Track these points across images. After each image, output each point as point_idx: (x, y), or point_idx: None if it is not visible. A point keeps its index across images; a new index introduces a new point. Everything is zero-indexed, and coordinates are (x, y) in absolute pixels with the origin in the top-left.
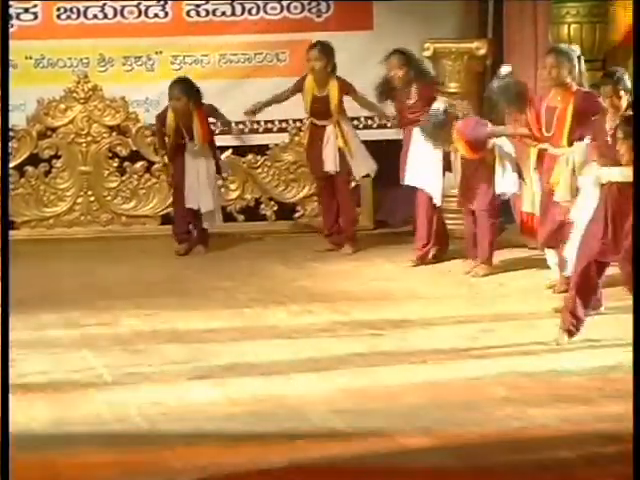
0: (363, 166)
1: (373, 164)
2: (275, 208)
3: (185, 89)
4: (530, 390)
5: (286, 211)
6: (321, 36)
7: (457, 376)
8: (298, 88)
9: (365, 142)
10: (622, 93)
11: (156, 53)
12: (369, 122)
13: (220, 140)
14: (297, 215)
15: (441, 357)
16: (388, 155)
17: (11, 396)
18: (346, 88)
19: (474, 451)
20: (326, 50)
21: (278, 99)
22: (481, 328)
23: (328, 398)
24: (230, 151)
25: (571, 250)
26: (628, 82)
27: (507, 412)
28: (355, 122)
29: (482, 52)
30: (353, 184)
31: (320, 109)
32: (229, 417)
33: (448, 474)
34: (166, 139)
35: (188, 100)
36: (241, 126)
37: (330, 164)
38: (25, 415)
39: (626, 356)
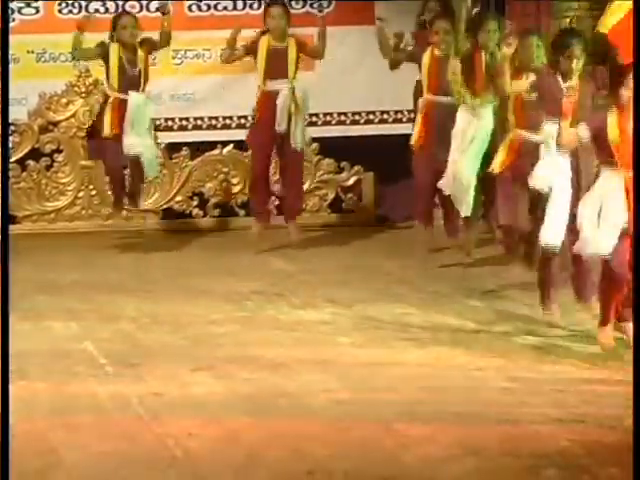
0: (300, 136)
1: (305, 140)
2: (276, 203)
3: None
4: (529, 380)
5: None
6: None
7: (458, 366)
8: (251, 49)
9: (367, 137)
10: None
11: None
12: (370, 117)
13: (222, 135)
14: None
15: (441, 347)
16: (390, 150)
17: (12, 386)
18: (303, 45)
19: (473, 439)
20: (286, 9)
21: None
22: (483, 319)
23: (330, 388)
24: (232, 145)
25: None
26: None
27: (507, 401)
28: (356, 117)
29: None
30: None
31: (276, 63)
32: (230, 407)
33: (446, 461)
34: None
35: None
36: (243, 120)
37: (282, 124)
38: (26, 404)
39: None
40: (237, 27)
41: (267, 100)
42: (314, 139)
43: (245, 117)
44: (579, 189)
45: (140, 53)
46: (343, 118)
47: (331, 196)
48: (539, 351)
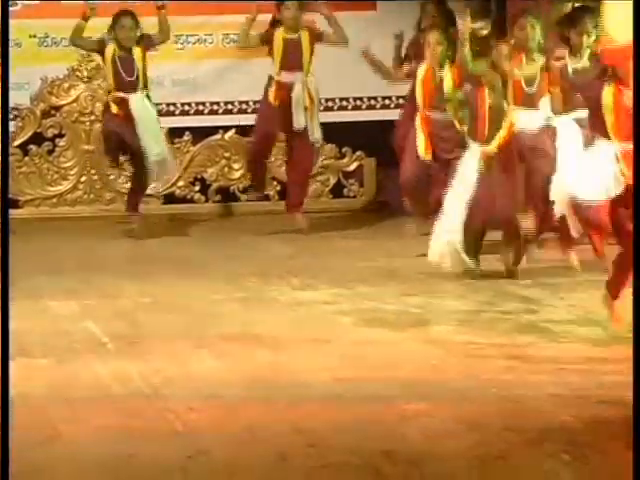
0: (317, 130)
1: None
2: (278, 188)
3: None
4: (530, 359)
5: None
6: (322, 17)
7: (457, 344)
8: (267, 39)
9: (368, 122)
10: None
11: None
12: (372, 103)
13: (223, 120)
14: None
15: (441, 326)
16: (392, 136)
17: (13, 364)
18: (316, 35)
19: (474, 414)
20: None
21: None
22: (482, 299)
23: (330, 366)
24: (233, 131)
25: None
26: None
27: (508, 379)
28: (358, 102)
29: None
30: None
31: (291, 55)
32: (230, 384)
33: (447, 436)
34: None
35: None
36: (244, 106)
37: (300, 120)
38: (27, 381)
39: None
40: (253, 13)
41: (281, 91)
42: None
43: (247, 102)
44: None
45: (138, 52)
46: (345, 103)
47: (333, 181)
48: (540, 330)
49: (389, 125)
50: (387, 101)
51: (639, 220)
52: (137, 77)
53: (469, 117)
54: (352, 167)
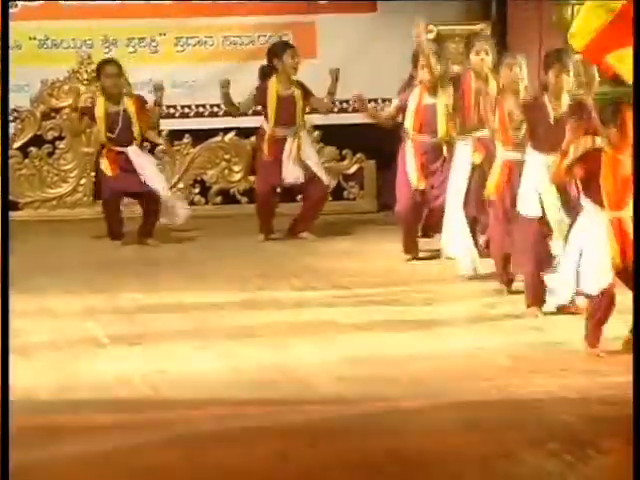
0: (325, 177)
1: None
2: (278, 190)
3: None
4: (533, 359)
5: (289, 193)
6: (325, 18)
7: (460, 346)
8: (262, 97)
9: (369, 125)
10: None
11: (160, 35)
12: (372, 105)
13: (223, 122)
14: (300, 197)
15: (442, 326)
16: (392, 138)
17: (15, 365)
18: (307, 93)
19: (476, 414)
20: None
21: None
22: (483, 301)
23: (331, 366)
24: (233, 133)
25: None
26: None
27: (510, 379)
28: (373, 104)
29: (486, 34)
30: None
31: (285, 112)
32: (232, 384)
33: (449, 434)
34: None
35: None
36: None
37: (294, 175)
38: (28, 381)
39: (626, 327)
40: (224, 80)
41: (275, 145)
42: (316, 127)
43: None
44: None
45: (129, 104)
46: (345, 106)
47: (333, 184)
48: (540, 330)
49: (389, 128)
50: (388, 103)
51: (639, 220)
52: (131, 130)
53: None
54: (352, 170)
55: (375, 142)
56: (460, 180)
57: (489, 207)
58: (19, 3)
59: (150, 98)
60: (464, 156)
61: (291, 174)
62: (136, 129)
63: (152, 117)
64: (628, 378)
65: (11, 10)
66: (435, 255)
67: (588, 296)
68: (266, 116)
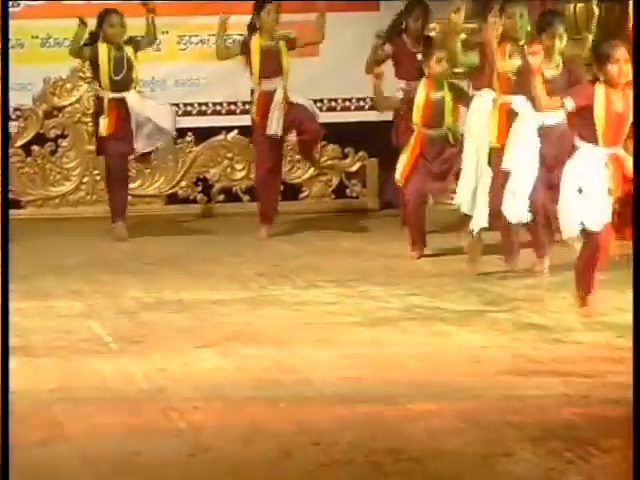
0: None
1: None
2: (281, 188)
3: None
4: (533, 358)
5: (292, 191)
6: (328, 17)
7: (461, 344)
8: (246, 48)
9: (371, 123)
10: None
11: (162, 33)
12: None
13: (226, 120)
14: (303, 195)
15: (444, 326)
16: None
17: (16, 364)
18: (291, 42)
19: (477, 412)
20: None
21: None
22: (485, 299)
23: (333, 364)
24: (236, 131)
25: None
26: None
27: (511, 378)
28: (361, 103)
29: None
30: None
31: (268, 64)
32: (235, 383)
33: (450, 433)
34: None
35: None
36: (247, 106)
37: (274, 126)
38: (30, 379)
39: (628, 324)
40: (224, 15)
41: (265, 101)
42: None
43: (249, 103)
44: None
45: (130, 51)
46: (347, 104)
47: (335, 182)
48: (543, 329)
49: (392, 125)
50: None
51: (639, 220)
52: (130, 73)
53: None
54: (355, 167)
55: (378, 140)
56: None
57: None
58: (21, 2)
59: (152, 94)
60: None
61: (277, 123)
62: (135, 72)
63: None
64: (629, 378)
65: (14, 9)
66: (437, 253)
67: (589, 233)
68: (252, 71)
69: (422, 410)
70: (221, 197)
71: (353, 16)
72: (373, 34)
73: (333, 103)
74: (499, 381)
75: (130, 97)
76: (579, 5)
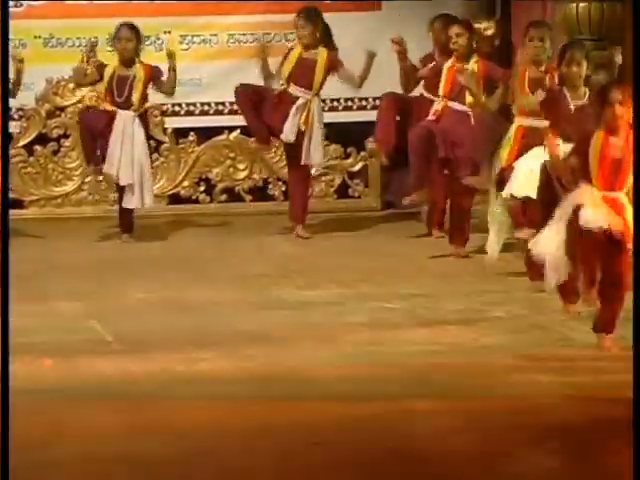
0: (315, 154)
1: (321, 157)
2: (283, 188)
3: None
4: (534, 358)
5: None
6: (329, 17)
7: (463, 344)
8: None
9: (374, 123)
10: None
11: (165, 33)
12: (377, 103)
13: (229, 120)
14: None
15: (447, 325)
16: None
17: (17, 362)
18: (334, 61)
19: (479, 412)
20: (311, 16)
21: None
22: (487, 299)
23: (335, 364)
24: (238, 131)
25: None
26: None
27: (512, 377)
28: (363, 102)
29: (490, 32)
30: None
31: (302, 73)
32: (236, 382)
33: (452, 433)
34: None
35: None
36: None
37: (289, 134)
38: (30, 380)
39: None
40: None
41: (287, 98)
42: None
43: None
44: None
45: (139, 71)
46: (350, 104)
47: (338, 182)
48: (543, 329)
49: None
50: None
51: (639, 220)
52: (131, 99)
53: None
54: (357, 167)
55: None
56: None
57: None
58: (24, 2)
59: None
60: None
61: (290, 131)
62: (136, 96)
63: (168, 84)
64: (629, 378)
65: (16, 9)
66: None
67: None
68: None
69: (422, 410)
70: (223, 197)
71: (355, 16)
72: (375, 34)
73: (335, 103)
74: (500, 381)
75: (121, 115)
76: (581, 5)
